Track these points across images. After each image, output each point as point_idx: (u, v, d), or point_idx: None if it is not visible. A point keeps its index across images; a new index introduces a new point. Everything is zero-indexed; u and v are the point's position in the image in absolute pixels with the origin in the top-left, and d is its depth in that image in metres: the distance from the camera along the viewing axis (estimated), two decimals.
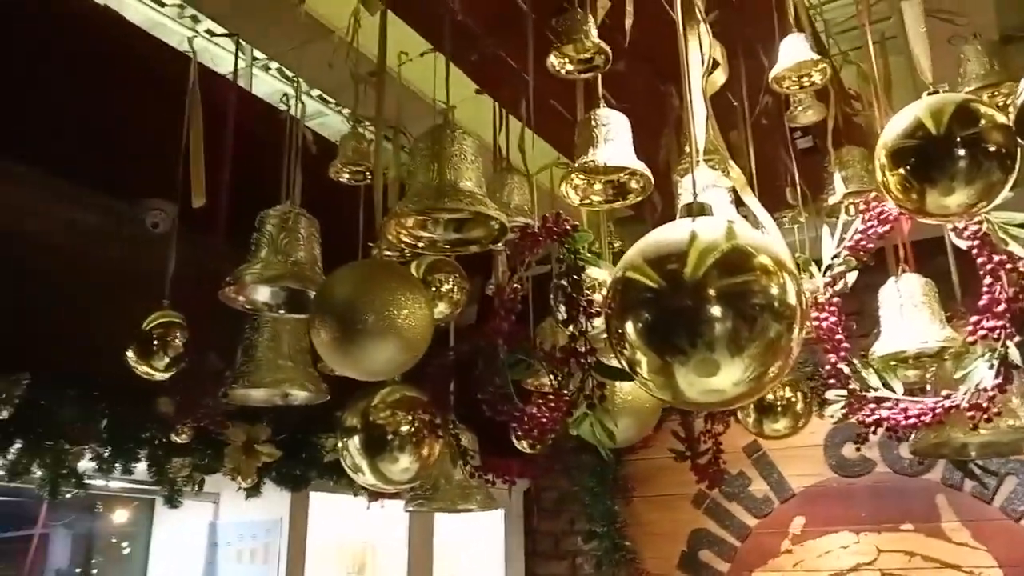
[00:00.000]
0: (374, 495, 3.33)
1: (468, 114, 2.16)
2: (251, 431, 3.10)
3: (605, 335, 1.16)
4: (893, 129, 1.25)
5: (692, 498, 4.58)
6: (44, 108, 2.82)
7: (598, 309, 1.40)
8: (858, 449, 1.82)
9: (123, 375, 2.28)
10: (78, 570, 3.74)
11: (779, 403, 2.14)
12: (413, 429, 1.85)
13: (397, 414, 1.86)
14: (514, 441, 2.10)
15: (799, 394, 2.14)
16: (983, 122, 1.18)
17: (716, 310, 1.03)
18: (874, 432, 1.64)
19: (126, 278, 3.02)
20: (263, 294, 1.96)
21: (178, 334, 2.20)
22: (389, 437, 1.85)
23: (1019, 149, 1.19)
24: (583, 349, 1.39)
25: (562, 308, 1.47)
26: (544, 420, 1.40)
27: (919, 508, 4.06)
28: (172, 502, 3.05)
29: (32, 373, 2.56)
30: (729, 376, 1.05)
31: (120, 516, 3.82)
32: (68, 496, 2.79)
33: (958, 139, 1.18)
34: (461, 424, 1.88)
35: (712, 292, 1.03)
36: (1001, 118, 1.19)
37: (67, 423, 2.63)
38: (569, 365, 1.38)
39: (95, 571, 3.81)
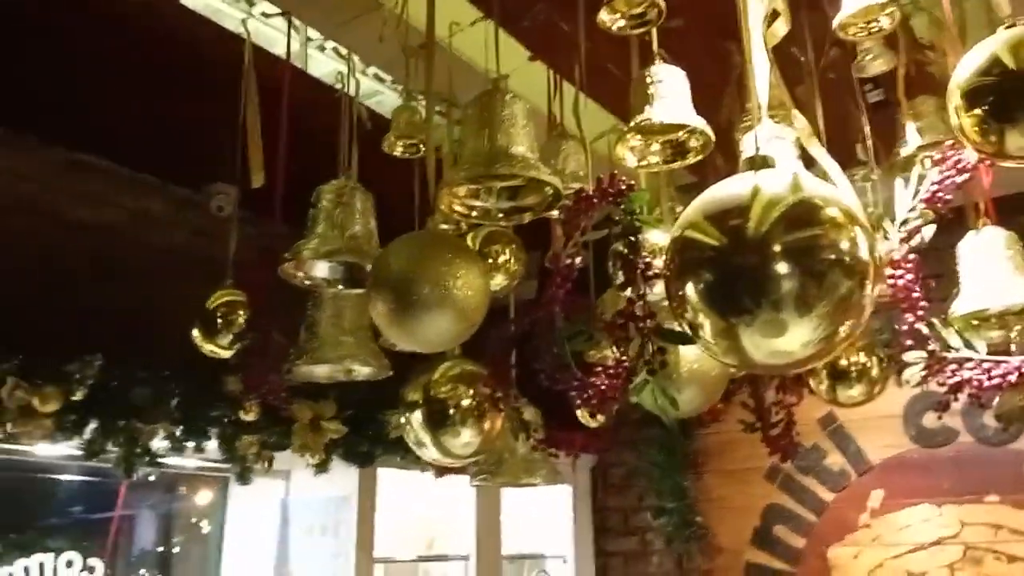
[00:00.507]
0: (440, 470, 3.35)
1: (522, 82, 2.12)
2: (317, 408, 3.15)
3: (666, 301, 1.12)
4: (967, 67, 1.16)
5: (765, 472, 4.48)
6: (108, 98, 2.88)
7: (657, 272, 1.35)
8: (939, 418, 1.73)
9: (192, 356, 2.33)
10: (160, 549, 3.86)
11: (853, 368, 2.05)
12: (474, 403, 1.85)
13: (458, 388, 1.86)
14: (576, 413, 2.07)
15: (874, 359, 2.04)
16: None
17: (782, 267, 0.98)
18: (955, 398, 1.55)
19: (191, 262, 3.08)
20: (321, 269, 1.97)
21: (241, 312, 2.23)
22: (451, 411, 1.86)
23: None
24: (641, 313, 1.34)
25: (620, 273, 1.42)
26: (603, 388, 1.37)
27: (1005, 479, 3.88)
28: (244, 479, 3.13)
29: (104, 355, 2.64)
30: (797, 336, 1.00)
31: (199, 497, 3.93)
32: (151, 479, 2.87)
33: None
34: (524, 397, 1.86)
35: (777, 248, 0.99)
36: None
37: (139, 403, 2.71)
38: (628, 331, 1.34)
39: (176, 550, 3.93)
